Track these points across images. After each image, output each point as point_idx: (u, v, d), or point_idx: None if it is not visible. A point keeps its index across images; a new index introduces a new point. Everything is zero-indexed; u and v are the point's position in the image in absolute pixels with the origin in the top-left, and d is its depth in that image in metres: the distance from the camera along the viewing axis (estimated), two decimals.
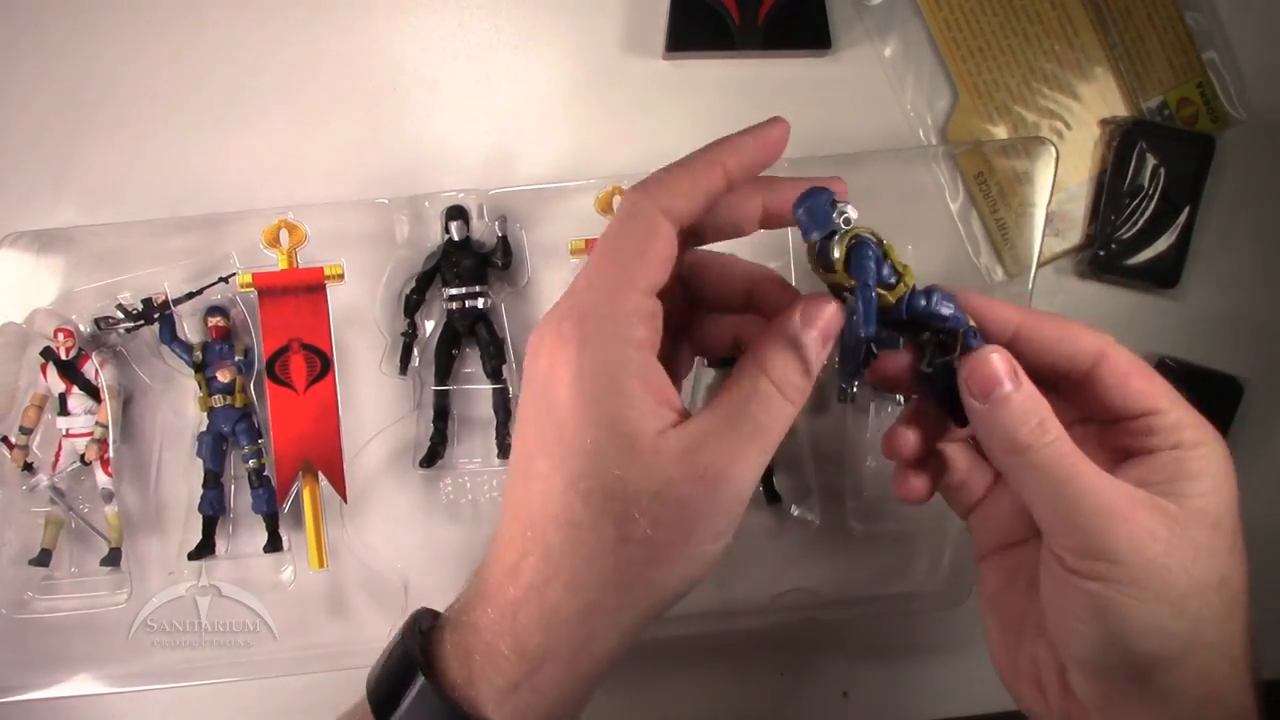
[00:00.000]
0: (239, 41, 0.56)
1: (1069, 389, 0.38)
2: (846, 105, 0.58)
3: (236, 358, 0.53)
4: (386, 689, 0.37)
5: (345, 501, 0.53)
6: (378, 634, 0.53)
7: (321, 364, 0.53)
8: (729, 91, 0.57)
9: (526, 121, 0.57)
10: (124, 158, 0.56)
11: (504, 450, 0.54)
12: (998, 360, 0.36)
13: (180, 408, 0.55)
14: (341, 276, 0.53)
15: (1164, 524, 0.34)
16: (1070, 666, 0.36)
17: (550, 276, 0.55)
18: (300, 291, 0.53)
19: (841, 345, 0.37)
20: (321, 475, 0.53)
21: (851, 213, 0.35)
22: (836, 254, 0.35)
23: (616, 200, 0.53)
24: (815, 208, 0.35)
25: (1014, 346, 0.37)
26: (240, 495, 0.55)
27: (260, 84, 0.56)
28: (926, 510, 0.55)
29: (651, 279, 0.35)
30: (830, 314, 0.36)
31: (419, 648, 0.37)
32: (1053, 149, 0.54)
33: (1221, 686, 0.35)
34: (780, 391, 0.35)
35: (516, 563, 0.35)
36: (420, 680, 0.35)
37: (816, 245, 0.35)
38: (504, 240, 0.53)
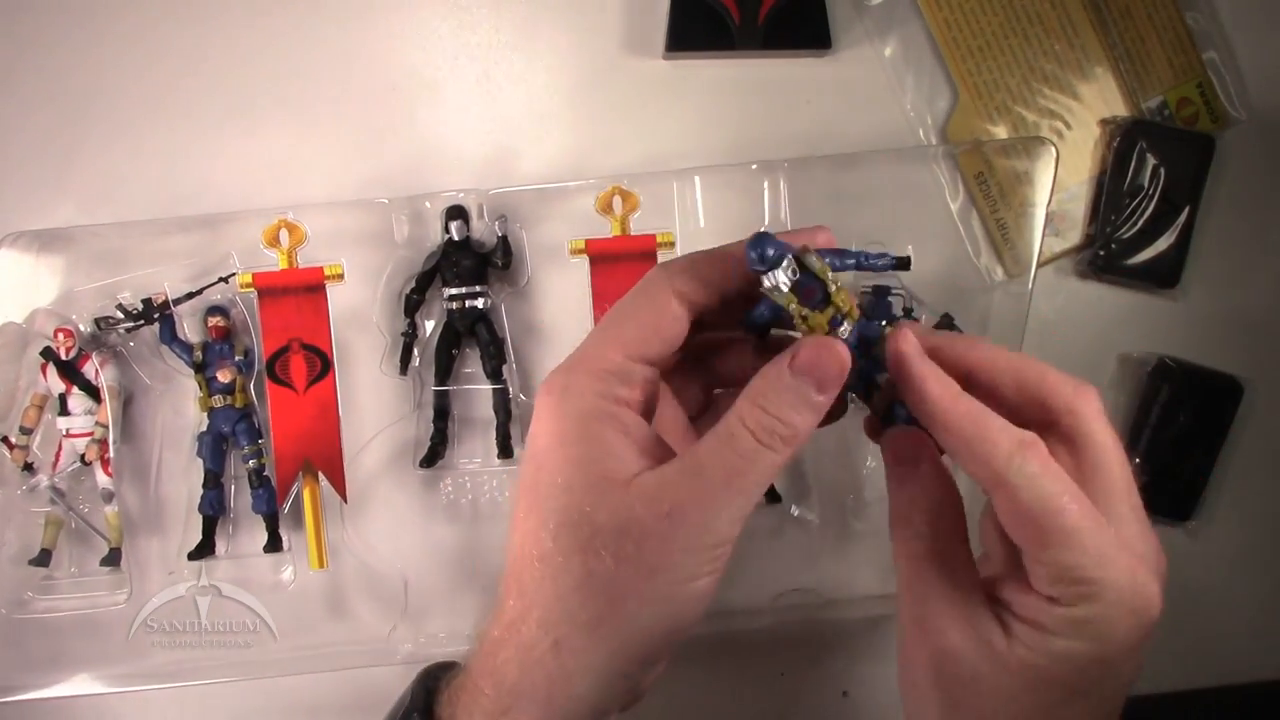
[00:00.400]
0: (239, 41, 0.56)
1: None
2: (846, 105, 0.57)
3: (236, 358, 0.53)
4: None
5: (345, 501, 0.53)
6: (378, 634, 0.53)
7: (321, 364, 0.53)
8: (729, 91, 0.57)
9: (526, 121, 0.57)
10: (124, 158, 0.56)
11: (504, 450, 0.54)
12: (904, 445, 0.37)
13: (180, 408, 0.55)
14: (341, 276, 0.53)
15: (979, 658, 0.34)
16: None
17: (550, 276, 0.55)
18: (300, 291, 0.53)
19: None
20: (321, 475, 0.53)
21: (772, 281, 0.35)
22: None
23: (617, 200, 0.53)
24: (748, 257, 0.35)
25: (936, 435, 0.36)
26: (240, 495, 0.55)
27: (260, 84, 0.56)
28: None
29: (642, 347, 0.36)
30: (827, 359, 0.34)
31: (425, 689, 0.38)
32: (1053, 149, 0.54)
33: None
34: (755, 436, 0.34)
35: (500, 604, 0.36)
36: (414, 716, 0.37)
37: None
38: (504, 240, 0.53)
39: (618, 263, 0.52)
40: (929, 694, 0.35)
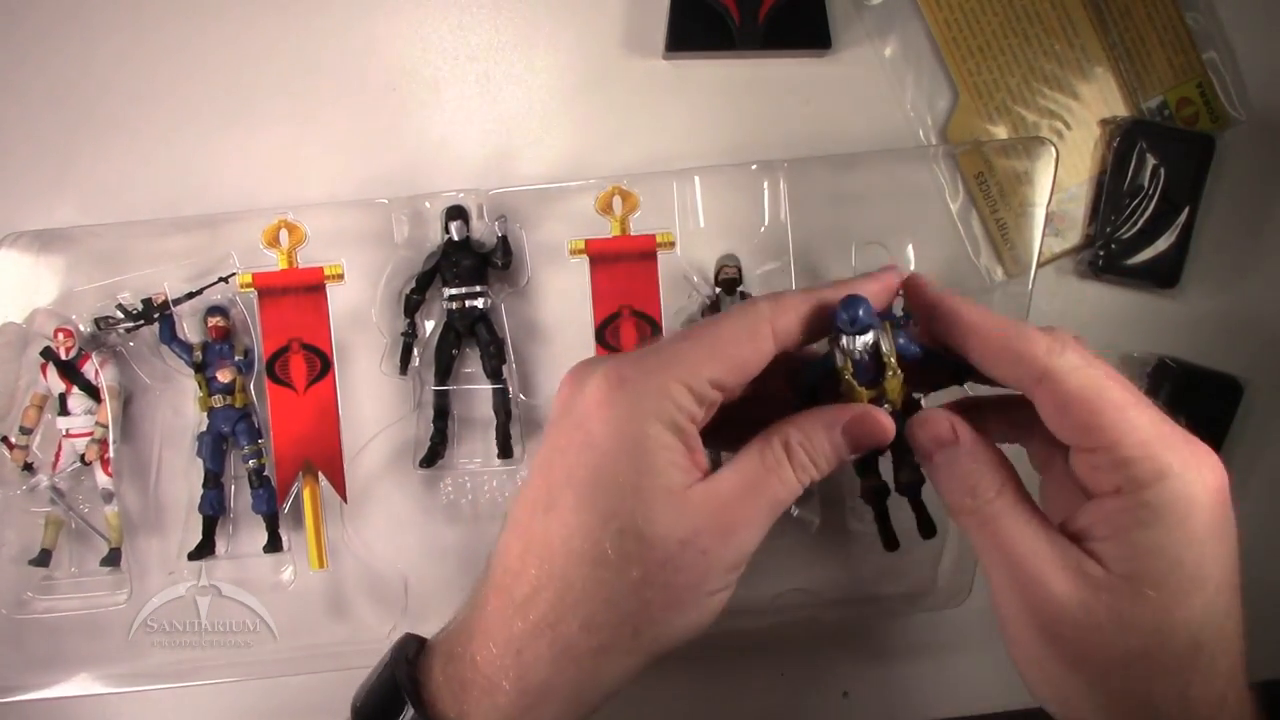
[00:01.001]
0: (239, 41, 0.56)
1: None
2: (846, 105, 0.57)
3: (236, 358, 0.53)
4: (373, 716, 0.38)
5: (345, 501, 0.53)
6: (378, 634, 0.53)
7: (321, 364, 0.53)
8: (729, 91, 0.57)
9: (526, 121, 0.57)
10: (124, 158, 0.56)
11: (504, 450, 0.54)
12: (932, 424, 0.37)
13: (180, 408, 0.55)
14: (341, 276, 0.53)
15: (1079, 591, 0.33)
16: None
17: (550, 276, 0.55)
18: (300, 291, 0.53)
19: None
20: (321, 475, 0.53)
21: (849, 345, 0.37)
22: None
23: (616, 200, 0.53)
24: (838, 317, 0.37)
25: (972, 355, 0.37)
26: (240, 495, 0.54)
27: (260, 84, 0.56)
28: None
29: (727, 376, 0.36)
30: (875, 433, 0.37)
31: (407, 676, 0.37)
32: (1053, 149, 0.54)
33: None
34: (797, 475, 0.36)
35: (529, 596, 0.35)
36: (410, 711, 0.36)
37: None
38: (504, 240, 0.53)
39: (618, 263, 0.53)
40: (1050, 666, 0.35)
